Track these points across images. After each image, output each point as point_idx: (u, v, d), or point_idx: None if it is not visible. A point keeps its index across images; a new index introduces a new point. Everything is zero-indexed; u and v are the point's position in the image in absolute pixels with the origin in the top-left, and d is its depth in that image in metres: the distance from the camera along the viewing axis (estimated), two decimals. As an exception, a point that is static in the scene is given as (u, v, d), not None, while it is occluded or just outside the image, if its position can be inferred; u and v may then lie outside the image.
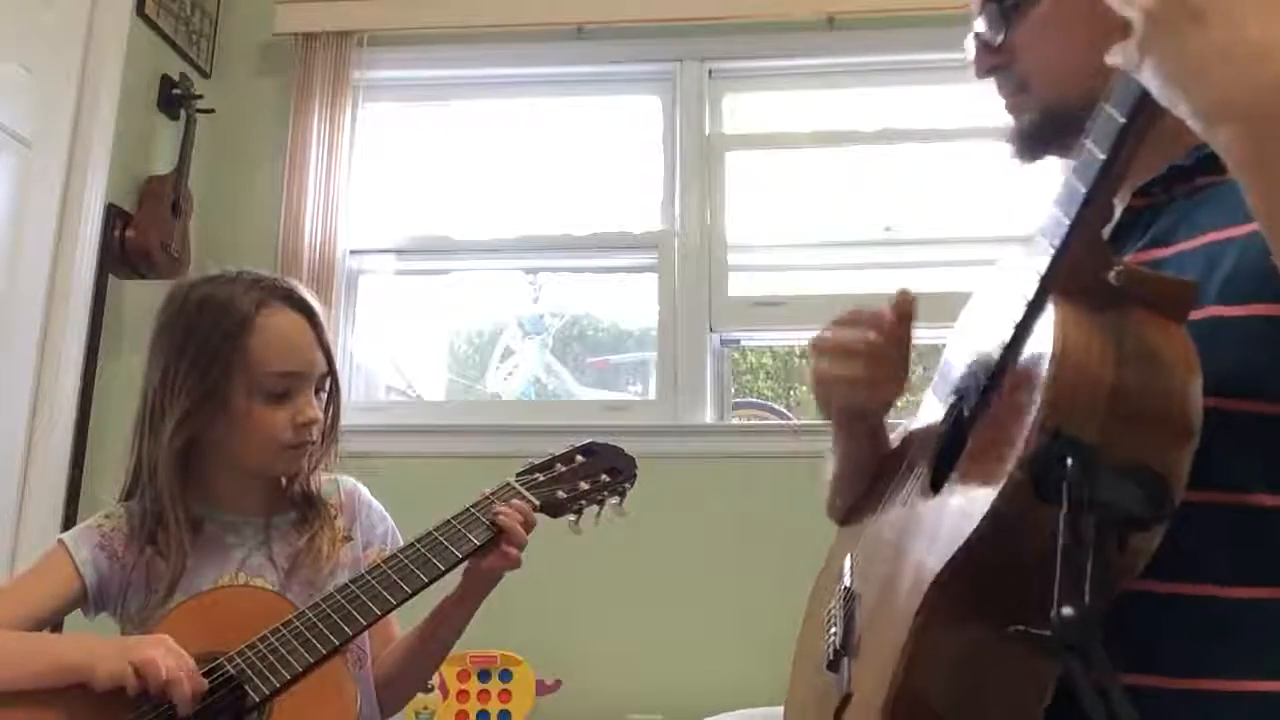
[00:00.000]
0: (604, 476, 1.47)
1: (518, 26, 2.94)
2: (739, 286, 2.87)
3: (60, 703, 1.20)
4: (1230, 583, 0.78)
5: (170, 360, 1.37)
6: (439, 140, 3.12)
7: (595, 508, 1.46)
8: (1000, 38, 0.97)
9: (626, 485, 1.48)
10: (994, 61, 0.99)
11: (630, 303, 3.10)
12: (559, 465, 1.48)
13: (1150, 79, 0.69)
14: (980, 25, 0.99)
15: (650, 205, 2.93)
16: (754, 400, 3.37)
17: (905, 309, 1.06)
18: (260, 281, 1.42)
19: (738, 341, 2.94)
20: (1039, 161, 0.99)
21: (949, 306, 1.08)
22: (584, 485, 1.46)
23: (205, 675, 1.22)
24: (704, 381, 2.76)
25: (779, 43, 2.91)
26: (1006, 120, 1.00)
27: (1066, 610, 0.59)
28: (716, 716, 2.18)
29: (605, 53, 2.98)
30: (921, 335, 1.08)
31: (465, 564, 1.36)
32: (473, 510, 1.38)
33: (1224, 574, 0.78)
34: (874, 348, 1.05)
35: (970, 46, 1.01)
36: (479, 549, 1.35)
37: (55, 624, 1.40)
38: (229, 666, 1.23)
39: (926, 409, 1.04)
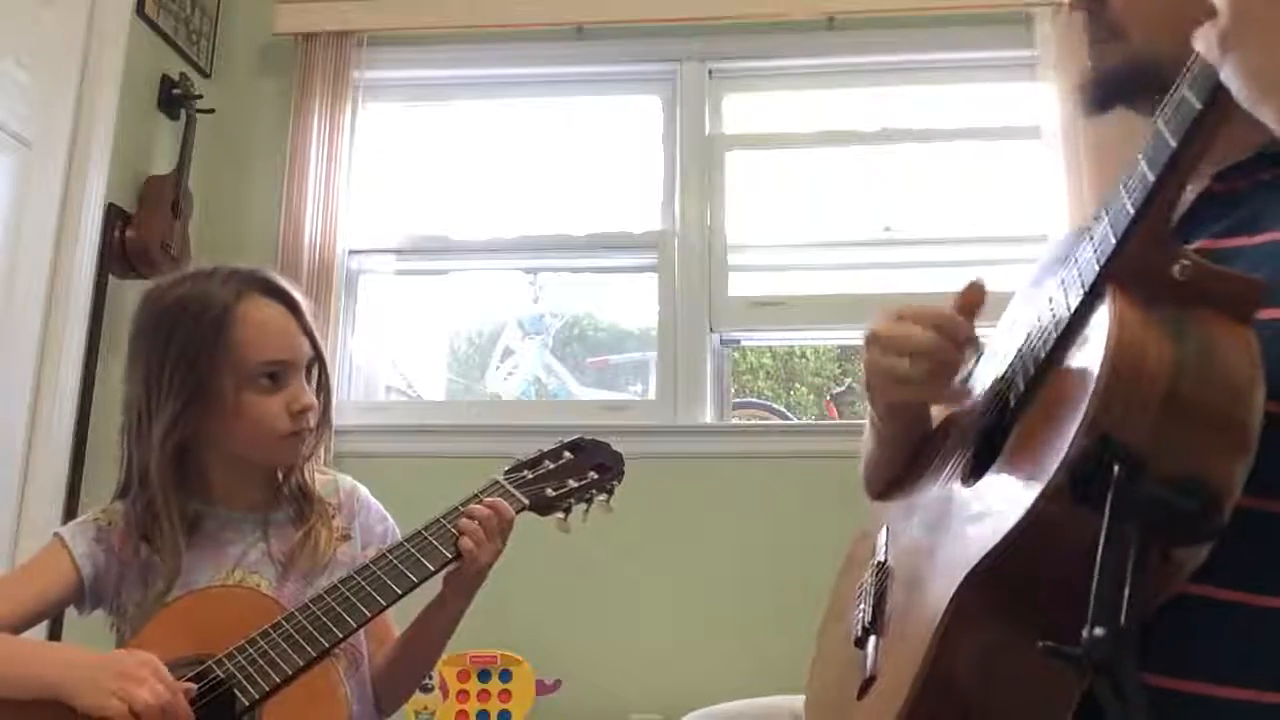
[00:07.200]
0: (592, 473, 1.45)
1: (518, 26, 2.93)
2: (739, 286, 2.86)
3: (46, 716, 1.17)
4: (1264, 591, 0.73)
5: (153, 364, 1.35)
6: (439, 140, 3.12)
7: (583, 505, 1.44)
8: None
9: (615, 482, 1.45)
10: None
11: (630, 303, 3.10)
12: (547, 462, 1.45)
13: (1232, 76, 0.62)
14: None
15: (650, 205, 2.93)
16: (754, 400, 3.37)
17: (972, 302, 0.94)
18: (236, 273, 1.39)
19: (738, 341, 2.94)
20: (1106, 113, 0.91)
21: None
22: (572, 483, 1.43)
23: (194, 679, 1.20)
24: (704, 381, 2.75)
25: (779, 43, 2.91)
26: (1083, 64, 0.91)
27: (1099, 631, 0.55)
28: (706, 708, 2.16)
29: (605, 53, 2.98)
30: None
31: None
32: (462, 508, 1.37)
33: (1258, 582, 0.73)
34: (926, 344, 0.93)
35: None
36: None
37: (55, 617, 1.38)
38: (218, 670, 1.22)
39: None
